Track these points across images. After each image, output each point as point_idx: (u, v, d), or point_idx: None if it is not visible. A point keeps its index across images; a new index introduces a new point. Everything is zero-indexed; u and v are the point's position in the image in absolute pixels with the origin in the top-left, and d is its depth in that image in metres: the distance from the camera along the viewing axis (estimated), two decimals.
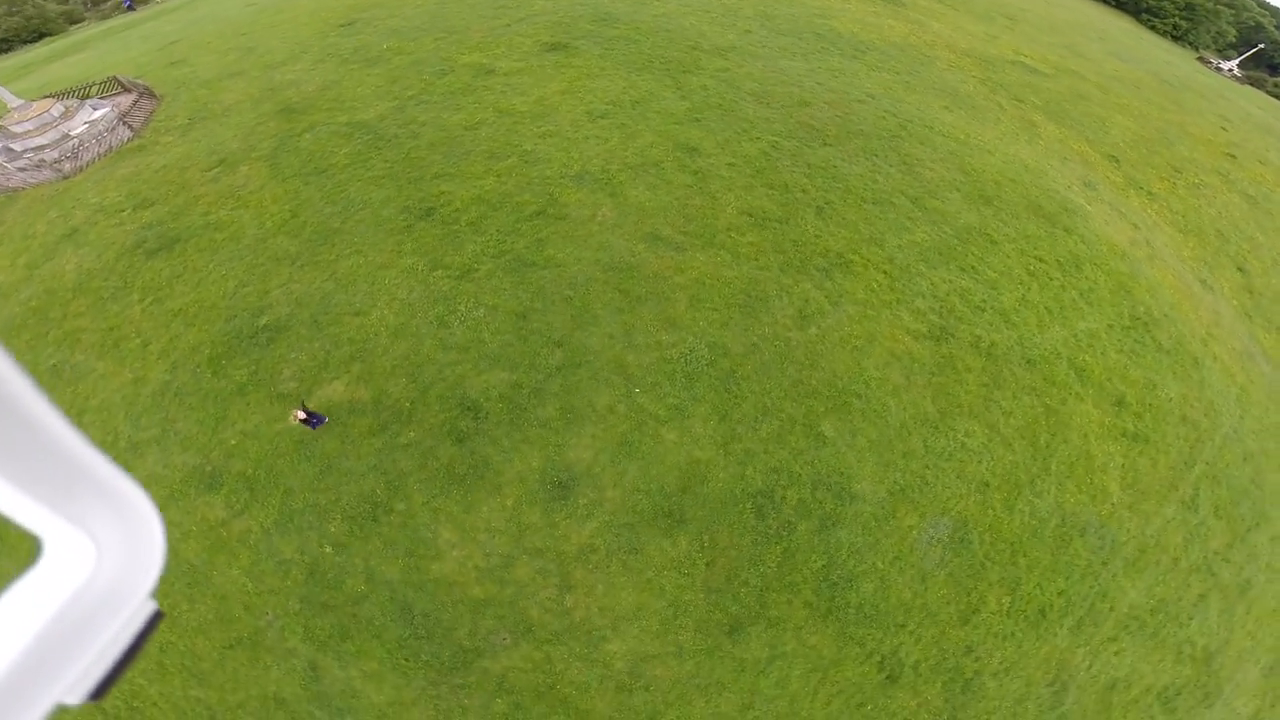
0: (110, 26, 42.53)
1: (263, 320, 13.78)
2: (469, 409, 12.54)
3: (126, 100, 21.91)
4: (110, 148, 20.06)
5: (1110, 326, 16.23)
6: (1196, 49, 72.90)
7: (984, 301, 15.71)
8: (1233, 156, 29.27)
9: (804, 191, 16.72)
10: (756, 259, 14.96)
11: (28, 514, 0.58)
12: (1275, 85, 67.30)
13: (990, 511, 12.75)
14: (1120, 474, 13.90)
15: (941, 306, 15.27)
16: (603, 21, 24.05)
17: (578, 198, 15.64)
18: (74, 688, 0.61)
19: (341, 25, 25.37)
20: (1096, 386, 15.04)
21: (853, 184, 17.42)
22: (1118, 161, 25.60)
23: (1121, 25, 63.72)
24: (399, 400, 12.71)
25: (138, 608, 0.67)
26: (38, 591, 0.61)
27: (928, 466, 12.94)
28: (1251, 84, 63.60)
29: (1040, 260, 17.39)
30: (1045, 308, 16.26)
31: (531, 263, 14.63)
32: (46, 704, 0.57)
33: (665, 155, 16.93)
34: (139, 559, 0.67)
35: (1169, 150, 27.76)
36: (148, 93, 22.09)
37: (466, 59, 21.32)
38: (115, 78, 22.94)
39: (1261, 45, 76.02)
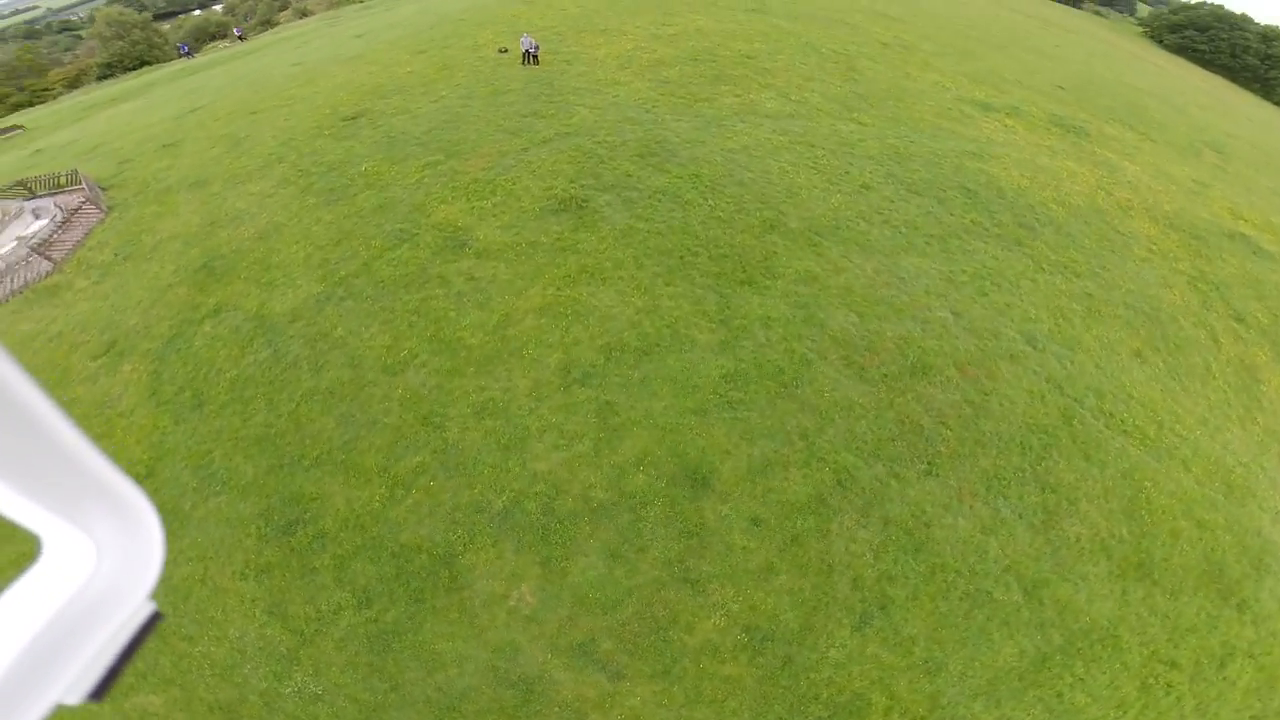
0: (179, 69, 39.67)
1: None
2: None
3: (72, 203, 17.48)
4: (26, 282, 15.60)
5: None
6: None
7: None
8: None
9: (855, 581, 9.05)
10: (724, 701, 7.73)
11: (27, 514, 0.55)
12: None
13: None
14: None
15: None
16: (649, 158, 16.78)
17: (487, 558, 8.98)
18: (73, 687, 0.57)
19: (345, 120, 19.78)
20: None
21: (945, 560, 9.50)
22: None
23: None
24: None
25: (137, 608, 0.64)
26: (37, 591, 0.58)
27: None
28: None
29: None
30: None
31: (397, 648, 8.39)
32: (46, 703, 0.54)
33: (656, 486, 9.70)
34: (138, 560, 0.64)
35: None
36: (95, 200, 17.53)
37: (442, 213, 14.88)
38: (77, 171, 18.68)
39: None
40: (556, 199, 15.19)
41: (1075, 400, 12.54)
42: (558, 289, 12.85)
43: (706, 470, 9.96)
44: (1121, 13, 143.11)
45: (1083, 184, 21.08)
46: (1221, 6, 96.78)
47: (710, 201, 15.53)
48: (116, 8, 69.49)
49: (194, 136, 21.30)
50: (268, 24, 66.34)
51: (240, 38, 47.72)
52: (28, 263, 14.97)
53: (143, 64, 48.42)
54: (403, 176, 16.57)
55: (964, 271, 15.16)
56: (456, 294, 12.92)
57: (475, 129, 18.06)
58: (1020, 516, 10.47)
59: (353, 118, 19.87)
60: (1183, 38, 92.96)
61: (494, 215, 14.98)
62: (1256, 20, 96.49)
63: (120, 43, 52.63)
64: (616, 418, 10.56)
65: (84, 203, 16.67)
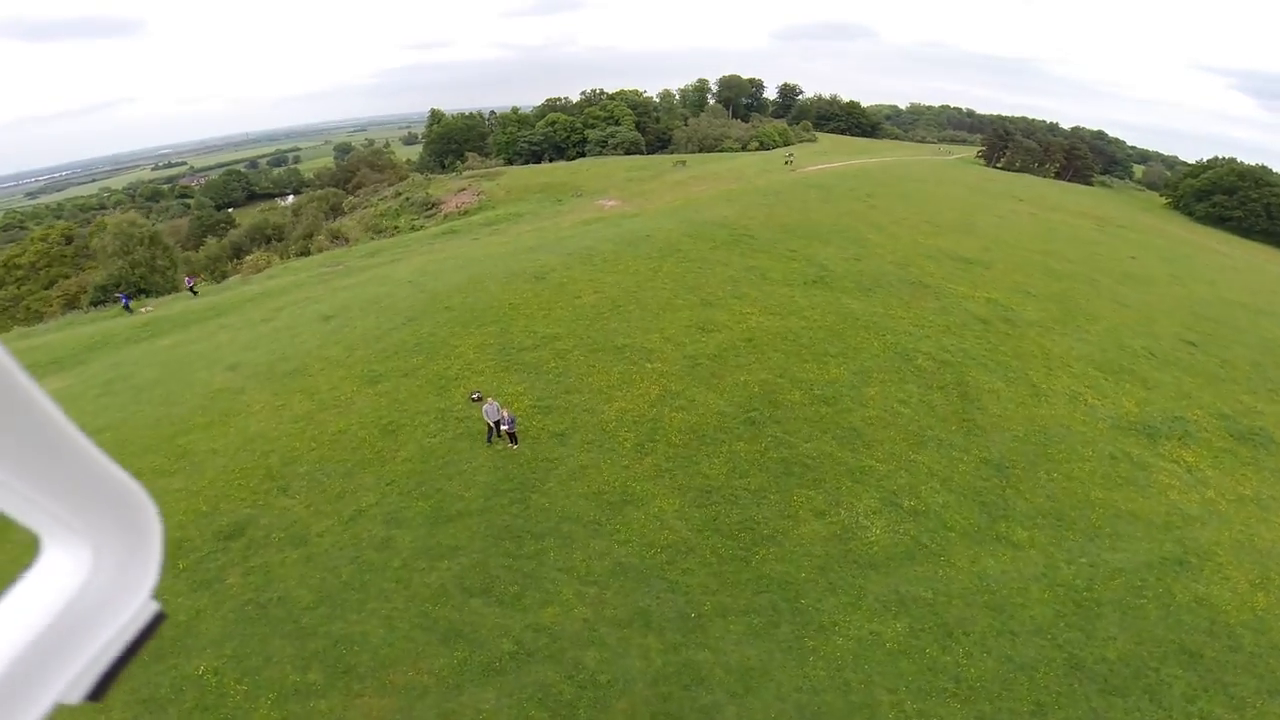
0: (132, 325, 32.34)
1: None
2: None
3: None
4: None
5: None
6: None
7: None
8: None
9: None
10: None
11: (27, 512, 0.55)
12: None
13: None
14: None
15: None
16: None
17: None
18: (74, 687, 0.57)
19: (220, 537, 13.15)
20: None
21: None
22: None
23: None
24: None
25: (139, 608, 0.63)
26: (37, 590, 0.57)
27: None
28: None
29: None
30: None
31: None
32: (46, 703, 0.54)
33: None
34: (139, 559, 0.64)
35: None
36: None
37: None
38: None
39: None
40: None
41: None
42: None
43: None
44: (1122, 179, 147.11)
45: None
46: (1236, 160, 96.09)
47: None
48: (131, 214, 64.92)
49: None
50: (309, 238, 64.64)
51: (191, 290, 38.89)
52: None
53: (140, 292, 44.62)
54: (247, 710, 9.23)
55: None
56: None
57: (387, 614, 11.00)
58: None
59: (229, 536, 13.26)
60: (1213, 204, 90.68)
61: None
62: (1276, 170, 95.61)
63: (121, 261, 49.22)
64: None
65: None
